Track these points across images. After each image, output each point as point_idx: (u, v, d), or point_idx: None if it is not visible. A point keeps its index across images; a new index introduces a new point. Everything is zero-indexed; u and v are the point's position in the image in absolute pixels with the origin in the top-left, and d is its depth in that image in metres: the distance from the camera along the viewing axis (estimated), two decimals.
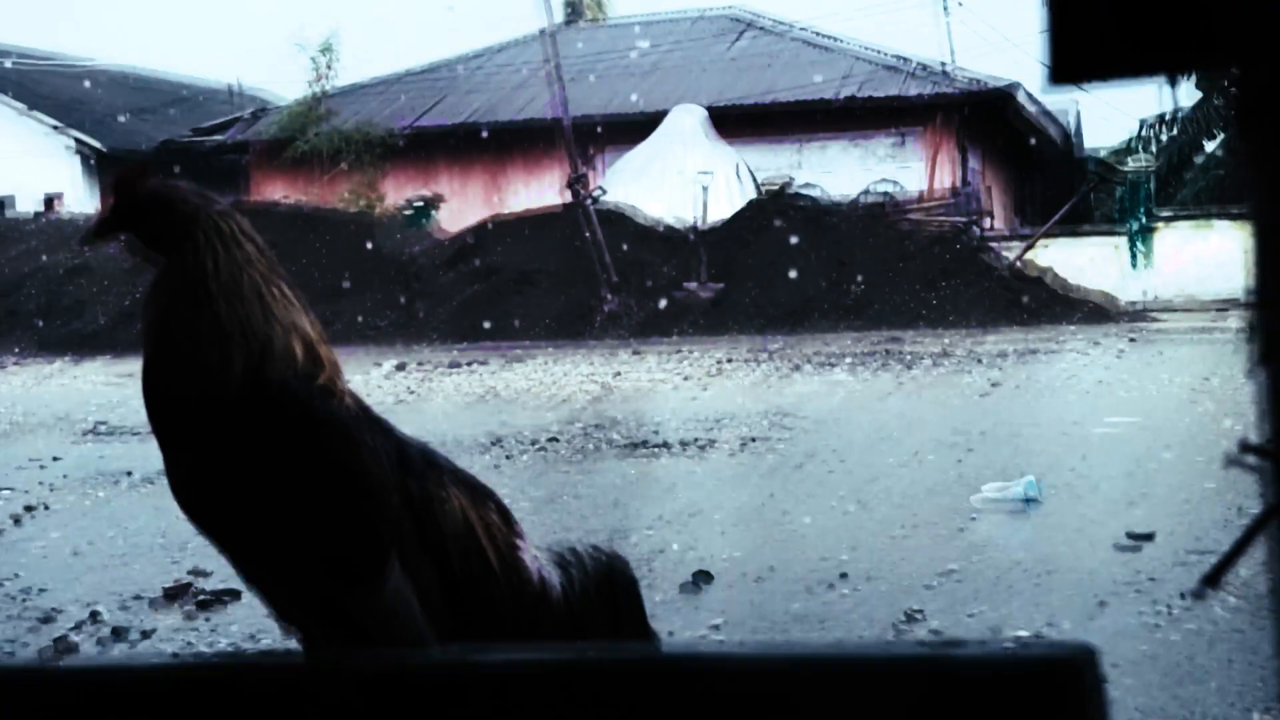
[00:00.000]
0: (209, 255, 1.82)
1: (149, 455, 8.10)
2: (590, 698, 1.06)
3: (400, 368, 15.00)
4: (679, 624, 4.20)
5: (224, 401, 1.75)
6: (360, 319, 20.69)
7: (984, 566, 4.79)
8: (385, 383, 13.39)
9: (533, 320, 19.69)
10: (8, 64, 33.76)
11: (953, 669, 1.00)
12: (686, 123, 23.89)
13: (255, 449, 1.75)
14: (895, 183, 25.11)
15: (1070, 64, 0.89)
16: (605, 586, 1.91)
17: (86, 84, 34.69)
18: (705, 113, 24.43)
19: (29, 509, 6.31)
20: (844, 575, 4.73)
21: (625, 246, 20.48)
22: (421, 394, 12.17)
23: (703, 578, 4.68)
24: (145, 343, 1.82)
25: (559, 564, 1.89)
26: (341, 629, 1.74)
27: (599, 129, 24.74)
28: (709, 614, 4.30)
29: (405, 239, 23.05)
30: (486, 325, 19.62)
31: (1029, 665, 0.99)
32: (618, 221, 21.14)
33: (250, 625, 4.15)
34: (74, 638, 4.01)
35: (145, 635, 3.99)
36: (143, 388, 1.80)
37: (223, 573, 4.83)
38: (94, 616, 4.22)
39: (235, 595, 4.47)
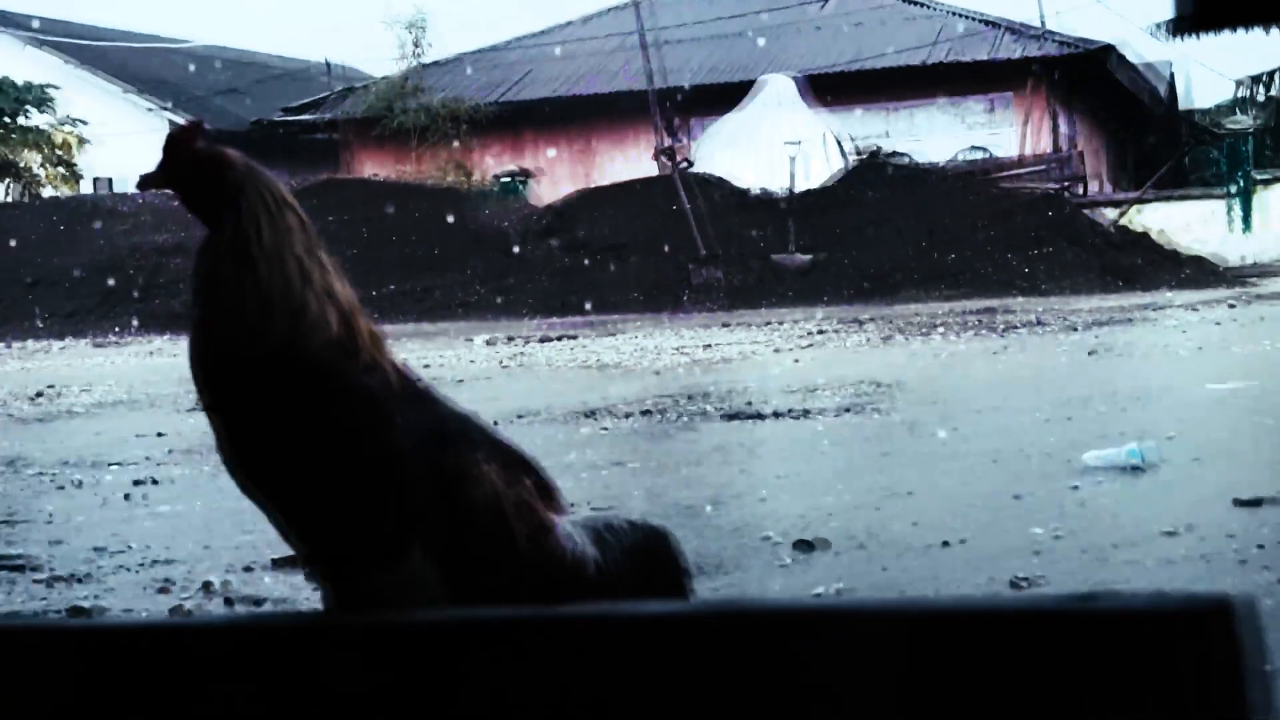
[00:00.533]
0: (253, 222, 1.83)
1: None
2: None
3: (493, 342, 15.09)
4: (786, 591, 4.19)
5: (259, 364, 1.77)
6: (453, 293, 20.85)
7: (1093, 531, 4.74)
8: (479, 356, 13.48)
9: (623, 292, 19.71)
10: (107, 45, 34.32)
11: (1109, 617, 0.98)
12: (776, 90, 23.74)
13: (282, 414, 1.77)
14: (986, 150, 24.80)
15: (1214, 8, 0.87)
16: (644, 561, 1.89)
17: (184, 64, 35.19)
18: (794, 80, 24.26)
19: (139, 482, 6.44)
20: (946, 543, 4.70)
21: (715, 217, 20.42)
22: (516, 367, 12.24)
23: (807, 545, 4.67)
24: (193, 304, 1.85)
25: (596, 540, 1.87)
26: (362, 604, 1.75)
27: (687, 98, 24.66)
28: (817, 580, 4.29)
29: (496, 213, 23.17)
30: (577, 298, 19.67)
31: (1185, 610, 0.97)
32: (707, 192, 21.09)
33: None
34: (189, 606, 4.09)
35: (256, 604, 4.07)
36: (189, 347, 1.83)
37: None
38: (207, 586, 4.30)
39: None
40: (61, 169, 32.69)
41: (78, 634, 1.30)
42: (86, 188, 31.84)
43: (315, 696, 1.15)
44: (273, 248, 1.82)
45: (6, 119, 32.10)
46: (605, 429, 7.83)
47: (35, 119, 32.74)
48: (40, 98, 32.35)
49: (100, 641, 1.26)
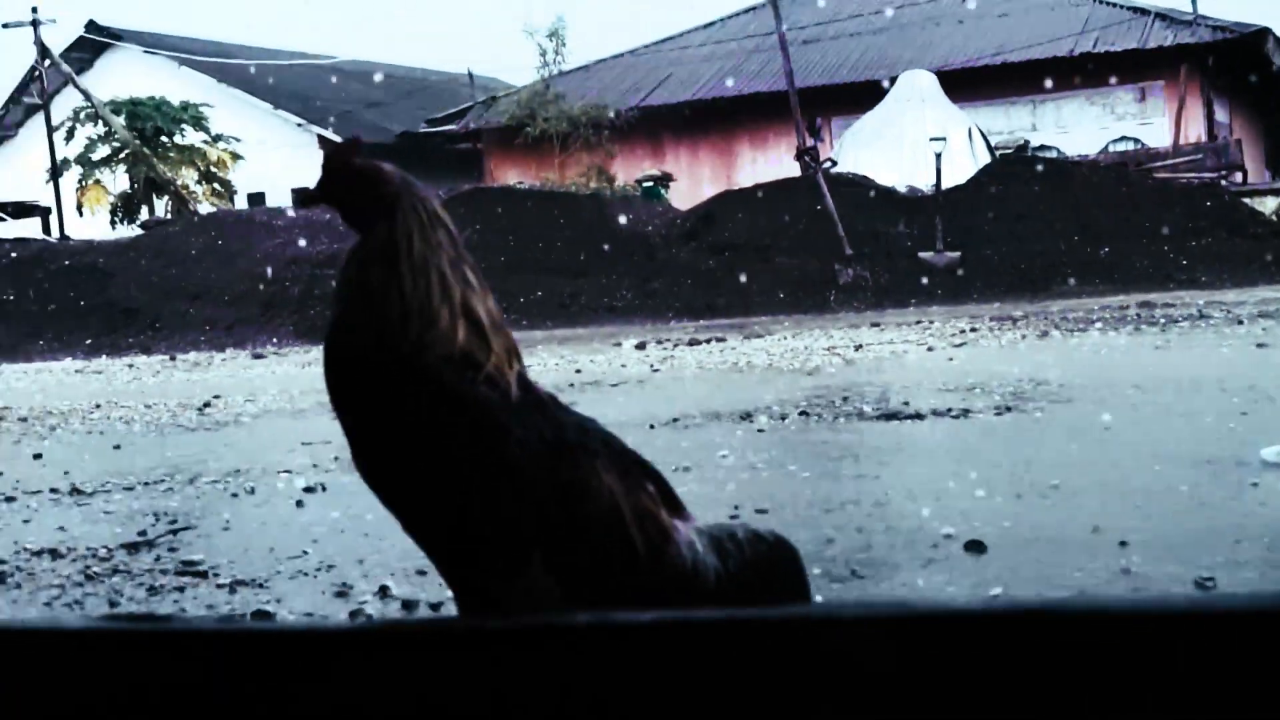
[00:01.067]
0: (405, 233, 1.90)
1: None
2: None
3: (642, 345, 15.15)
4: (955, 593, 4.14)
5: (383, 370, 1.82)
6: (598, 297, 20.98)
7: (1276, 532, 4.60)
8: (630, 360, 13.54)
9: (769, 294, 19.66)
10: (256, 64, 35.20)
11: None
12: (918, 86, 23.49)
13: (399, 422, 1.82)
14: (1138, 140, 24.25)
15: None
16: (766, 575, 1.88)
17: (330, 80, 35.97)
18: (935, 76, 23.98)
19: (309, 489, 6.59)
20: (1123, 543, 4.59)
21: (859, 216, 20.27)
22: (665, 370, 12.27)
23: (977, 546, 4.60)
24: (333, 306, 1.91)
25: (717, 550, 1.88)
26: (484, 611, 1.80)
27: (828, 97, 24.51)
28: (986, 582, 4.23)
29: (639, 217, 23.26)
30: (723, 300, 19.67)
31: None
32: (851, 191, 20.94)
33: None
34: (369, 610, 4.18)
35: (434, 608, 4.13)
36: (324, 348, 1.88)
37: None
38: (384, 591, 4.39)
39: None
40: (216, 185, 33.64)
41: (242, 636, 1.33)
42: (240, 203, 32.72)
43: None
44: (420, 259, 1.88)
45: (164, 138, 33.14)
46: (761, 430, 7.82)
47: (190, 137, 33.76)
48: (195, 116, 33.34)
49: (247, 643, 1.30)
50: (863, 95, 24.43)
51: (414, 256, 1.88)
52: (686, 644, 1.10)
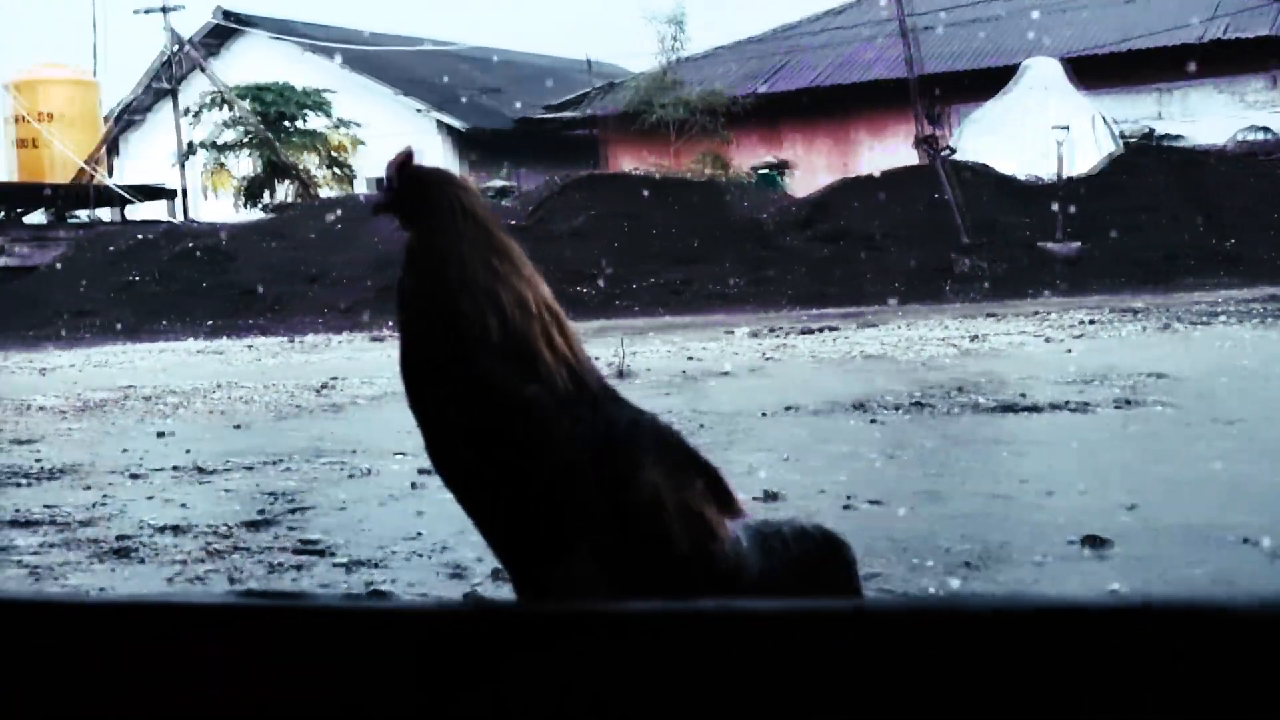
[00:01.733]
0: (441, 231, 1.95)
1: None
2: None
3: (755, 333, 15.10)
4: (1075, 588, 4.07)
5: (446, 375, 1.88)
6: (711, 285, 20.95)
7: None
8: (742, 348, 13.51)
9: (884, 283, 19.49)
10: (377, 50, 35.62)
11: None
12: (1042, 74, 23.10)
13: (461, 422, 1.88)
14: (1269, 129, 23.61)
15: None
16: (811, 571, 1.88)
17: (450, 66, 36.31)
18: (1060, 63, 23.56)
19: (423, 471, 6.66)
20: (1246, 540, 4.48)
21: (979, 205, 20.00)
22: (779, 359, 12.22)
23: (1098, 541, 4.52)
24: (396, 311, 1.99)
25: (762, 545, 1.88)
26: (535, 597, 1.86)
27: (948, 84, 24.21)
28: (1107, 577, 4.15)
29: (754, 204, 23.18)
30: (837, 289, 19.54)
31: None
32: (970, 179, 20.67)
33: None
34: (482, 591, 4.22)
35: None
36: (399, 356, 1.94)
37: None
38: (496, 574, 4.42)
39: None
40: (337, 170, 34.15)
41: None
42: (360, 188, 33.18)
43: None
44: (467, 264, 1.92)
45: (288, 123, 33.72)
46: (875, 421, 7.75)
47: (313, 122, 34.30)
48: (319, 102, 33.86)
49: (370, 621, 1.32)
50: (985, 82, 24.09)
51: (462, 262, 1.92)
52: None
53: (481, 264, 1.94)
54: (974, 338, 12.70)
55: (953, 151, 21.65)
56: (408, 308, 1.98)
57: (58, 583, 4.54)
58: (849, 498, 5.45)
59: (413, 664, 1.31)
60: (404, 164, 2.08)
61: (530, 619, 1.29)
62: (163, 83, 34.29)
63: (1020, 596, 1.12)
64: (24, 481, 7.11)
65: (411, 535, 5.11)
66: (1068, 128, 20.32)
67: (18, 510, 6.08)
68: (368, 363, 14.63)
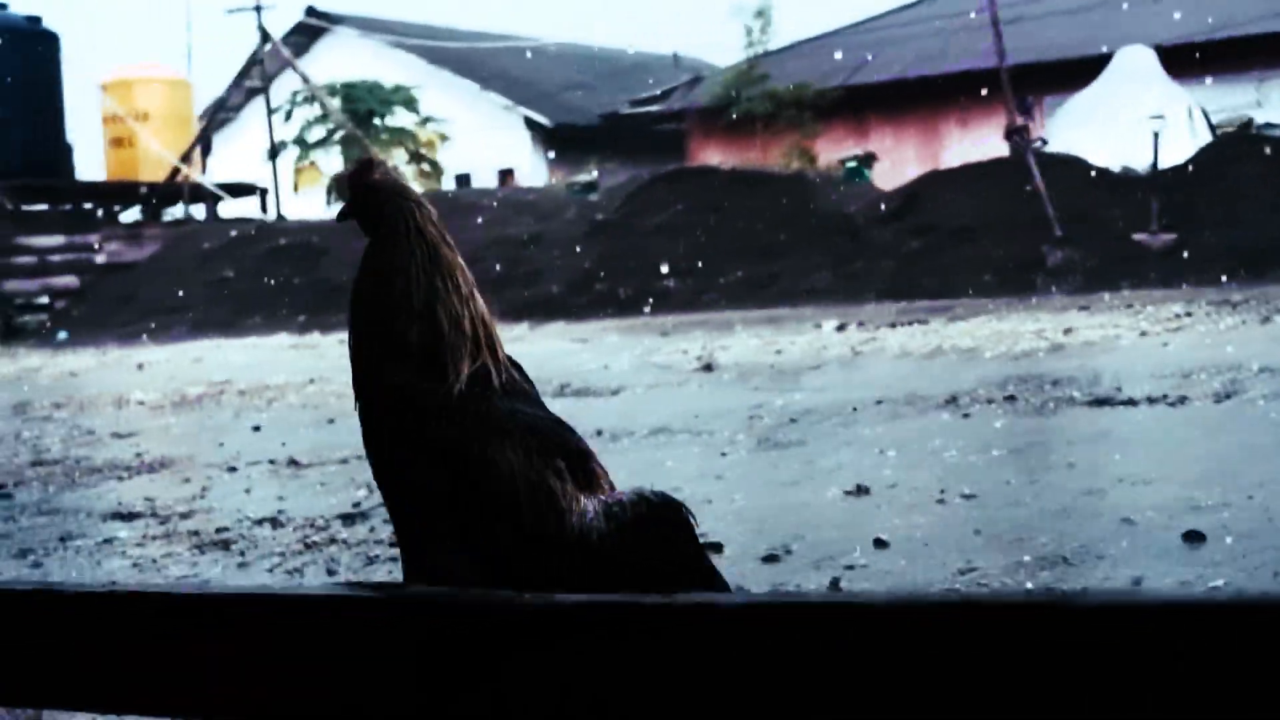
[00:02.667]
0: (392, 245, 2.13)
1: (617, 414, 8.46)
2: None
3: (842, 328, 15.02)
4: (1173, 584, 4.01)
5: (367, 369, 2.11)
6: (798, 279, 20.86)
7: None
8: (830, 342, 13.44)
9: (973, 276, 19.28)
10: (463, 46, 35.84)
11: None
12: (1135, 63, 22.73)
13: (362, 410, 2.13)
14: None
15: None
16: (646, 530, 2.06)
17: (535, 61, 36.43)
18: (1154, 52, 23.17)
19: None
20: None
21: (1070, 197, 19.72)
22: (867, 353, 12.14)
23: (1197, 536, 4.45)
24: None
25: (606, 514, 2.06)
26: (418, 578, 2.11)
27: (1039, 75, 23.91)
28: (1206, 574, 4.08)
29: (841, 198, 23.04)
30: (926, 282, 19.37)
31: None
32: (1062, 171, 20.39)
33: (731, 573, 4.25)
34: None
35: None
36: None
37: (704, 526, 4.98)
38: None
39: (717, 548, 4.59)
40: (424, 166, 34.43)
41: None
42: (447, 184, 33.42)
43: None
44: (393, 269, 2.12)
45: (376, 120, 34.06)
46: (967, 415, 7.68)
47: (401, 119, 34.60)
48: (406, 98, 34.15)
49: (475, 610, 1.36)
50: (1077, 72, 23.75)
51: (406, 276, 2.12)
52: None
53: (424, 280, 2.13)
54: (1067, 331, 12.53)
55: (1044, 143, 21.38)
56: (352, 313, 2.18)
57: (160, 574, 4.62)
58: (942, 492, 5.41)
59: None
60: (358, 175, 2.22)
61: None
62: (253, 81, 34.75)
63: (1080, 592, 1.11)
64: (124, 475, 7.25)
65: None
66: (1163, 117, 19.96)
67: (121, 503, 6.20)
68: None
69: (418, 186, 31.01)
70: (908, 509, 5.17)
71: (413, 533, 2.13)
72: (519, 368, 2.24)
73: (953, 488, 5.46)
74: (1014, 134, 20.82)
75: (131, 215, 32.13)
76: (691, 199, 23.32)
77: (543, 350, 15.05)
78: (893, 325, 14.83)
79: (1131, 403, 7.71)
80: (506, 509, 2.05)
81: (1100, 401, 7.83)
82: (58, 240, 27.90)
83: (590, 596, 1.40)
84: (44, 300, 27.43)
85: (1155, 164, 19.49)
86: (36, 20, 30.21)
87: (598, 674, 1.24)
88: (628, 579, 2.03)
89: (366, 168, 2.20)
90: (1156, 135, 19.28)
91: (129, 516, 5.82)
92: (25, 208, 28.71)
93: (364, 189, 2.19)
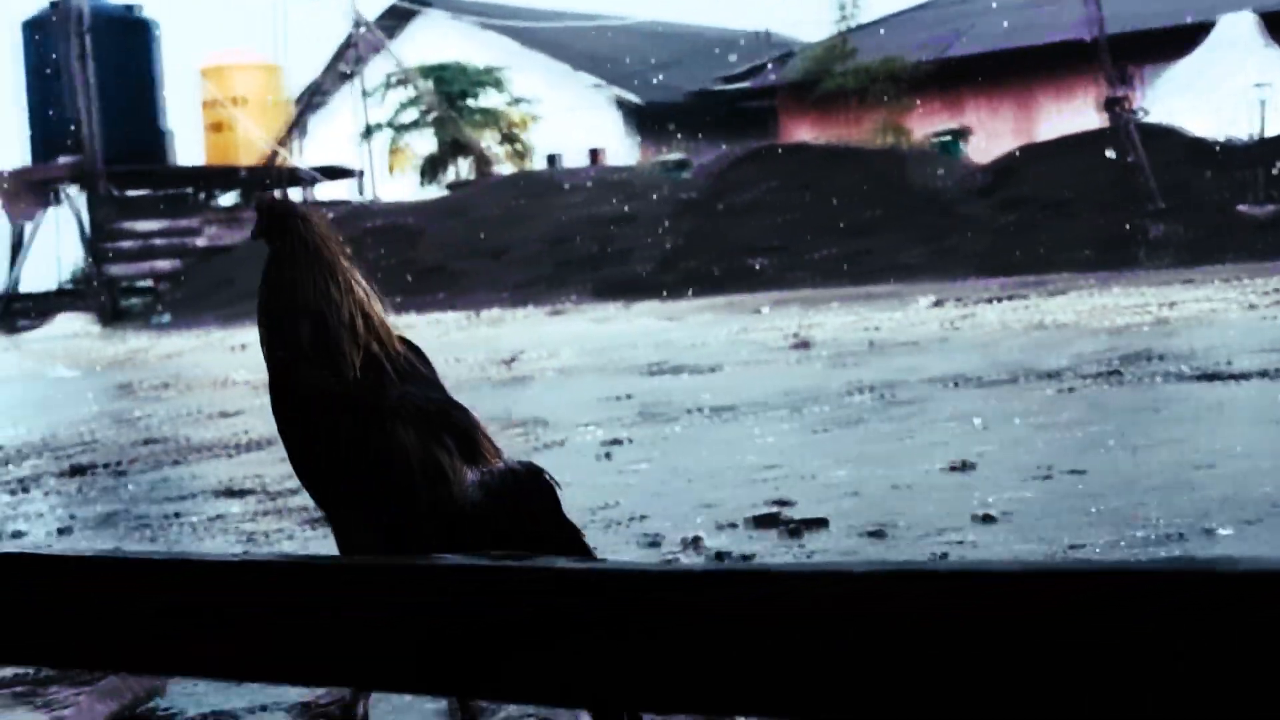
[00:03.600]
0: (289, 259, 2.46)
1: (713, 390, 8.47)
2: None
3: (937, 304, 14.89)
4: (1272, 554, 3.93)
5: (271, 369, 2.45)
6: (891, 255, 20.70)
7: None
8: (926, 318, 13.33)
9: (1070, 250, 19.01)
10: (551, 26, 35.89)
11: None
12: (1237, 31, 22.24)
13: (275, 406, 2.46)
14: None
15: None
16: (514, 495, 2.36)
17: (623, 40, 36.39)
18: (1258, 18, 22.64)
19: (615, 442, 6.74)
20: None
21: (1170, 168, 19.36)
22: (964, 328, 12.03)
23: None
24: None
25: (481, 483, 2.36)
26: (339, 541, 2.49)
27: (1137, 44, 23.47)
28: None
29: (934, 172, 22.82)
30: (1021, 257, 19.14)
31: None
32: (1162, 142, 20.02)
33: (838, 549, 4.24)
34: (682, 559, 4.25)
35: (745, 559, 4.17)
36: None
37: (807, 502, 4.97)
38: (695, 541, 4.45)
39: (823, 524, 4.58)
40: (515, 146, 34.56)
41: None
42: (538, 164, 33.52)
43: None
44: (289, 281, 2.43)
45: (467, 101, 34.24)
46: (1069, 390, 7.58)
47: (491, 100, 34.75)
48: (497, 79, 34.29)
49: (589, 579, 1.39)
50: (1177, 40, 23.30)
51: (297, 286, 2.44)
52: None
53: (313, 287, 2.43)
54: (1170, 305, 12.32)
55: (1144, 113, 21.00)
56: (259, 321, 2.50)
57: (274, 548, 4.70)
58: (1047, 468, 5.35)
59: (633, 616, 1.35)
60: (272, 202, 2.58)
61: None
62: (346, 65, 35.07)
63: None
64: (230, 453, 7.38)
65: (605, 505, 5.17)
66: (1268, 84, 19.52)
67: (230, 479, 6.31)
68: (549, 336, 14.83)
69: (509, 167, 31.18)
70: (1012, 485, 5.12)
71: (329, 511, 2.49)
72: (418, 352, 2.54)
73: (1058, 463, 5.40)
74: (1112, 105, 20.48)
75: (229, 199, 32.61)
76: (782, 176, 23.21)
77: (635, 329, 15.09)
78: (989, 301, 14.67)
79: (1241, 377, 7.57)
80: (401, 483, 2.34)
81: (1208, 376, 7.69)
82: (159, 225, 28.42)
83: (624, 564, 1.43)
84: (147, 283, 27.98)
85: (1261, 133, 19.07)
86: (133, 9, 30.72)
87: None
88: (501, 536, 2.29)
89: (272, 196, 2.65)
90: (1263, 104, 18.86)
91: (238, 493, 5.93)
92: (127, 193, 29.26)
93: (270, 213, 2.54)
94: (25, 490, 6.48)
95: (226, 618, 1.66)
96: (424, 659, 1.49)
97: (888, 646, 1.19)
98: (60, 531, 5.36)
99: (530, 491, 2.41)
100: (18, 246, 30.99)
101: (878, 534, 4.44)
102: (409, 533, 2.34)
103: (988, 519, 4.54)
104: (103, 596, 1.74)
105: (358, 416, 2.36)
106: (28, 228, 31.07)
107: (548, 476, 2.44)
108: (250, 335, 12.15)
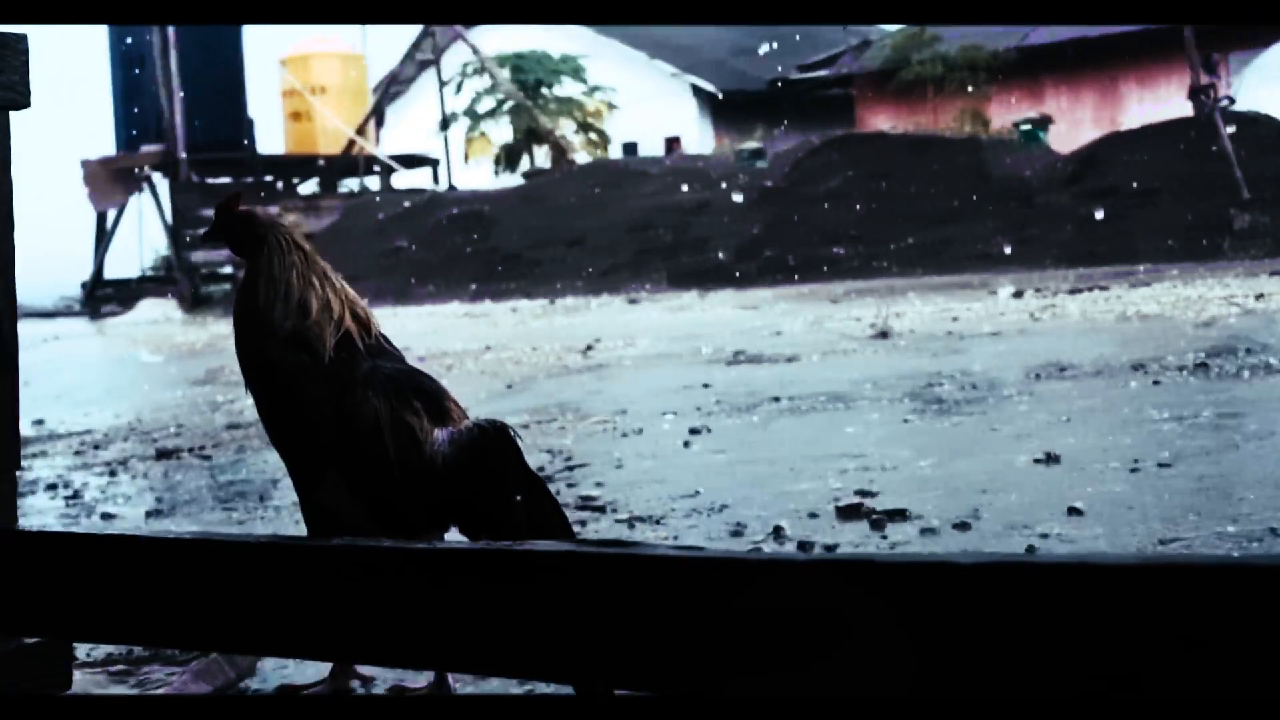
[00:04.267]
0: (268, 260, 2.68)
1: (793, 380, 8.42)
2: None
3: (1019, 294, 14.72)
4: None
5: (248, 352, 2.70)
6: (972, 244, 20.51)
7: None
8: (1008, 308, 13.18)
9: (1155, 240, 18.73)
10: None
11: None
12: None
13: (257, 382, 2.69)
14: None
15: None
16: (481, 451, 2.55)
17: (700, 28, 36.30)
18: None
19: (694, 431, 6.72)
20: None
21: (1259, 158, 19.01)
22: (1047, 319, 11.88)
23: None
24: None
25: (453, 442, 2.55)
26: (310, 510, 2.67)
27: (1225, 31, 23.05)
28: None
29: (1016, 161, 22.56)
30: (1105, 247, 18.88)
31: None
32: (1250, 131, 19.67)
33: (922, 541, 4.20)
34: (765, 549, 4.22)
35: (829, 549, 4.13)
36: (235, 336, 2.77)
37: (890, 493, 4.93)
38: (778, 531, 4.42)
39: (906, 515, 4.54)
40: (592, 135, 34.59)
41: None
42: (614, 152, 33.53)
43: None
44: (277, 277, 2.67)
45: (544, 90, 34.31)
46: (1157, 382, 7.46)
47: (569, 88, 34.80)
48: (574, 68, 34.32)
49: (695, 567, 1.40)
50: (1265, 29, 22.86)
51: (274, 274, 2.66)
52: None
53: (303, 279, 2.66)
54: (1258, 296, 12.10)
55: (1231, 101, 20.62)
56: (235, 315, 2.73)
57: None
58: (1136, 461, 5.26)
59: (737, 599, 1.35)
60: (225, 206, 2.75)
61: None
62: (424, 54, 35.28)
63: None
64: None
65: (688, 493, 5.15)
66: None
67: None
68: (627, 324, 14.83)
69: (585, 155, 31.26)
70: (1100, 477, 5.04)
71: (304, 478, 2.66)
72: (385, 338, 2.77)
73: (1148, 456, 5.31)
74: (1199, 93, 20.14)
75: (309, 187, 32.92)
76: (861, 165, 23.05)
77: (712, 318, 15.06)
78: (1072, 291, 14.48)
79: None
80: (374, 444, 2.54)
81: None
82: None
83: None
84: (228, 270, 28.31)
85: None
86: None
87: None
88: (470, 489, 2.54)
89: (235, 200, 2.75)
90: None
91: None
92: (210, 180, 29.61)
93: (229, 217, 2.75)
94: (114, 474, 6.57)
95: (316, 599, 1.66)
96: (520, 644, 1.48)
97: (994, 637, 1.16)
98: (149, 514, 5.43)
99: (499, 447, 2.57)
100: (103, 234, 31.51)
101: (963, 525, 4.39)
102: (388, 491, 2.56)
103: (1075, 512, 4.48)
104: (194, 577, 1.75)
105: (331, 388, 2.59)
106: (112, 215, 31.58)
107: (512, 432, 2.61)
108: None
